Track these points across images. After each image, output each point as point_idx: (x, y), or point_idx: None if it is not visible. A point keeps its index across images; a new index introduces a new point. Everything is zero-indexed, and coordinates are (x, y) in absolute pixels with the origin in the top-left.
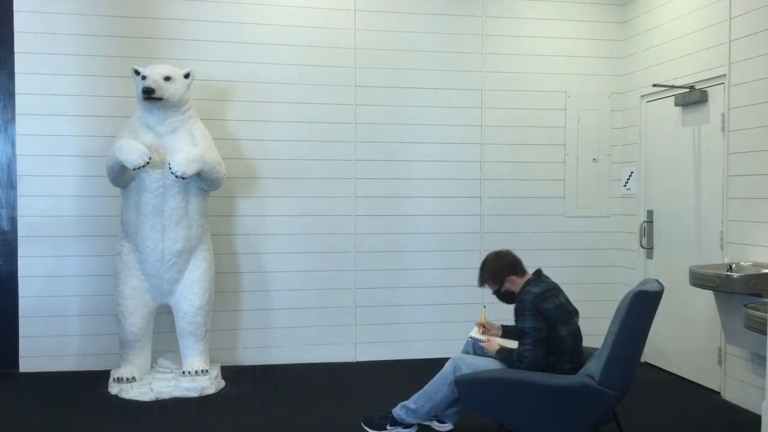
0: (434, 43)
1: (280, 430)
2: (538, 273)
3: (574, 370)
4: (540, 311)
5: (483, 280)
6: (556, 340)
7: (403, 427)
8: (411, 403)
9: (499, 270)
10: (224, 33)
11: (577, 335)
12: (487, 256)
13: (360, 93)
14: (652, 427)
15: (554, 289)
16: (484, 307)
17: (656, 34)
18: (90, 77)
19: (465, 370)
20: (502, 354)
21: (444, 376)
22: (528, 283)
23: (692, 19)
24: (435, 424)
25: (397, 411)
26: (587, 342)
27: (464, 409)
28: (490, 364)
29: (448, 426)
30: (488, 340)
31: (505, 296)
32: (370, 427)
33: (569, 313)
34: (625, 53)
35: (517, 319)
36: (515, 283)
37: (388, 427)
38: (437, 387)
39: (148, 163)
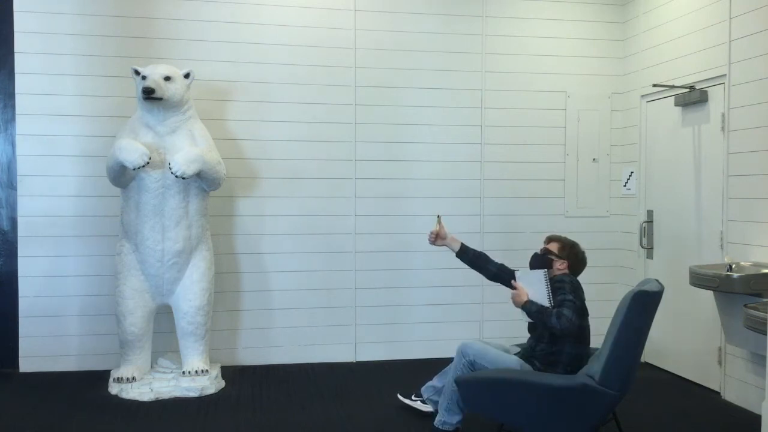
0: (434, 43)
1: (280, 430)
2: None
3: (575, 371)
4: (576, 292)
5: (557, 241)
6: (584, 329)
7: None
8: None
9: (573, 258)
10: (224, 33)
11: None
12: (575, 244)
13: (360, 93)
14: (652, 427)
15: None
16: (439, 215)
17: (656, 34)
18: (90, 77)
19: (471, 354)
20: (533, 305)
21: (455, 363)
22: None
23: (692, 19)
24: (419, 404)
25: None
26: None
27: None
28: (498, 357)
29: (430, 409)
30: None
31: (541, 260)
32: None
33: (586, 310)
34: (625, 53)
35: (555, 294)
36: (560, 269)
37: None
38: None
39: (148, 163)
